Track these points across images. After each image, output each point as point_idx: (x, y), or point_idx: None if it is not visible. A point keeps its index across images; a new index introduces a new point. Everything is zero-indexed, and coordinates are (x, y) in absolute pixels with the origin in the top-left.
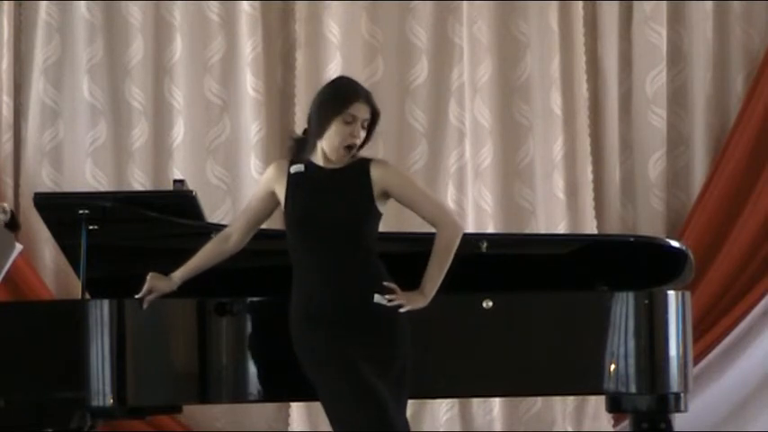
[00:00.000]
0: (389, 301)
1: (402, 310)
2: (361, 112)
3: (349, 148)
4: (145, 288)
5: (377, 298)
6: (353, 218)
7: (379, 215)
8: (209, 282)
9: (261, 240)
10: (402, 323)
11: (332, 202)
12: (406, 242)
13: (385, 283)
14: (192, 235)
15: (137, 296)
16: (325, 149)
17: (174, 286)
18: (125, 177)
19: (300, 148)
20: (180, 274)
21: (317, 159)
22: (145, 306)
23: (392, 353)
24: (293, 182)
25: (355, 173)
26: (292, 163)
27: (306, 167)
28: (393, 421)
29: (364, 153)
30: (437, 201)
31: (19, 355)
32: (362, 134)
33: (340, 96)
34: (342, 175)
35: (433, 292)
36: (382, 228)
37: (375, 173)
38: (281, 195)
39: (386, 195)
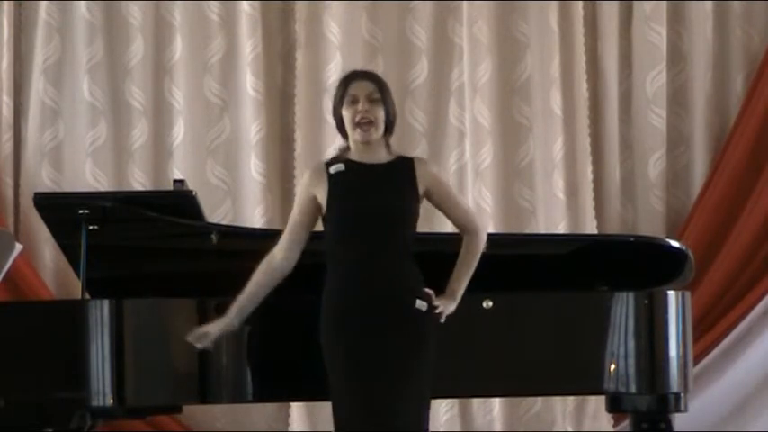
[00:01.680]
0: (431, 308)
1: (440, 314)
2: (361, 88)
3: (362, 124)
4: (200, 331)
5: (418, 303)
6: (401, 213)
7: (418, 212)
8: (209, 282)
9: (260, 240)
10: (434, 326)
11: (380, 198)
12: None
13: (425, 290)
14: (192, 235)
15: (187, 338)
16: (351, 139)
17: (231, 326)
18: (125, 177)
19: (339, 152)
20: (235, 311)
21: (356, 157)
22: (200, 346)
23: (422, 355)
24: (334, 181)
25: (399, 168)
26: (330, 165)
27: (346, 165)
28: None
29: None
30: (468, 206)
31: (19, 355)
32: (376, 108)
33: (339, 85)
34: (385, 170)
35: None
36: None
37: (420, 170)
38: (323, 197)
39: (425, 194)
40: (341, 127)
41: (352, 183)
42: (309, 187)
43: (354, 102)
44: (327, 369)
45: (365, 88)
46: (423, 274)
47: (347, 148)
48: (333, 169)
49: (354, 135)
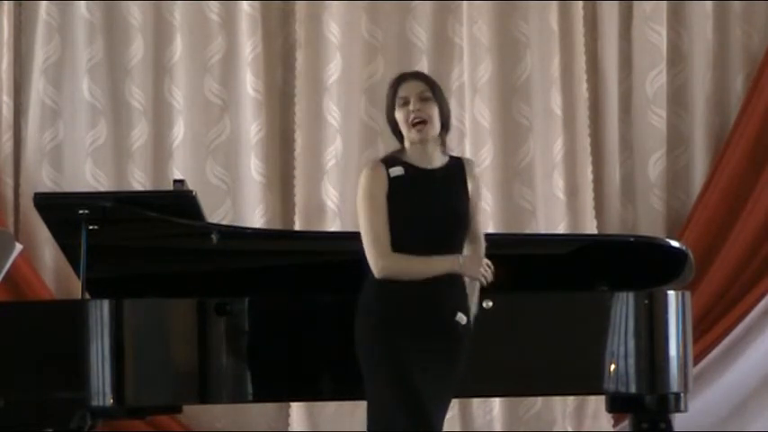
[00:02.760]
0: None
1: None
2: (411, 88)
3: (417, 124)
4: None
5: (458, 317)
6: (461, 215)
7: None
8: (209, 282)
9: (260, 240)
10: (468, 339)
11: (441, 201)
12: None
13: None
14: (192, 235)
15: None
16: (407, 139)
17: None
18: (125, 177)
19: (392, 153)
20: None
21: (412, 160)
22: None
23: (460, 360)
24: (394, 185)
25: (453, 171)
26: (388, 165)
27: (405, 170)
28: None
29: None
30: None
31: (19, 355)
32: (429, 106)
33: (390, 89)
34: (442, 175)
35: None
36: None
37: (469, 171)
38: (386, 198)
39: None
40: (396, 131)
41: (412, 189)
42: (378, 188)
43: (406, 103)
44: (365, 369)
45: (415, 88)
46: None
47: (401, 150)
48: (393, 172)
49: (410, 135)
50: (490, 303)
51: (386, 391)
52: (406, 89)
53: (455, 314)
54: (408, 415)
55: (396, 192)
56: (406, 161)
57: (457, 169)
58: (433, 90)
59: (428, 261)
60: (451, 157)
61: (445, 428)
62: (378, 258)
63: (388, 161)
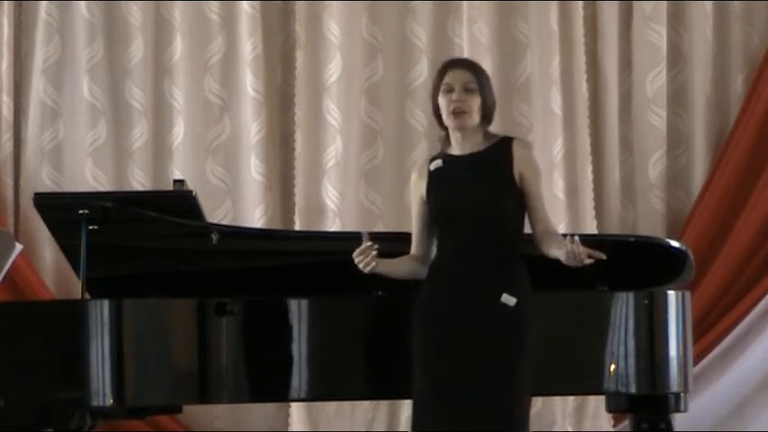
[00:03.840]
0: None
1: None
2: (457, 77)
3: (456, 113)
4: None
5: (504, 298)
6: (494, 199)
7: (519, 195)
8: (209, 282)
9: (260, 240)
10: (529, 324)
11: (472, 187)
12: (406, 242)
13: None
14: (192, 235)
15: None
16: (445, 121)
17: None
18: (125, 177)
19: (440, 146)
20: (383, 265)
21: (454, 150)
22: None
23: (514, 355)
24: (434, 177)
25: (495, 154)
26: (433, 159)
27: (444, 161)
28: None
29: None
30: (548, 214)
31: (19, 354)
32: (472, 98)
33: (437, 73)
34: (482, 158)
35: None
36: (381, 228)
37: (517, 152)
38: (425, 195)
39: (520, 179)
40: (438, 115)
41: (447, 178)
42: (415, 190)
43: (450, 90)
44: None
45: (462, 77)
46: None
47: (446, 139)
48: (433, 165)
49: (448, 121)
50: (513, 300)
51: (414, 381)
52: (452, 77)
53: (499, 296)
54: (432, 407)
55: (435, 183)
56: (448, 152)
57: (497, 151)
58: (479, 81)
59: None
60: (500, 140)
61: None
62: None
63: (435, 156)
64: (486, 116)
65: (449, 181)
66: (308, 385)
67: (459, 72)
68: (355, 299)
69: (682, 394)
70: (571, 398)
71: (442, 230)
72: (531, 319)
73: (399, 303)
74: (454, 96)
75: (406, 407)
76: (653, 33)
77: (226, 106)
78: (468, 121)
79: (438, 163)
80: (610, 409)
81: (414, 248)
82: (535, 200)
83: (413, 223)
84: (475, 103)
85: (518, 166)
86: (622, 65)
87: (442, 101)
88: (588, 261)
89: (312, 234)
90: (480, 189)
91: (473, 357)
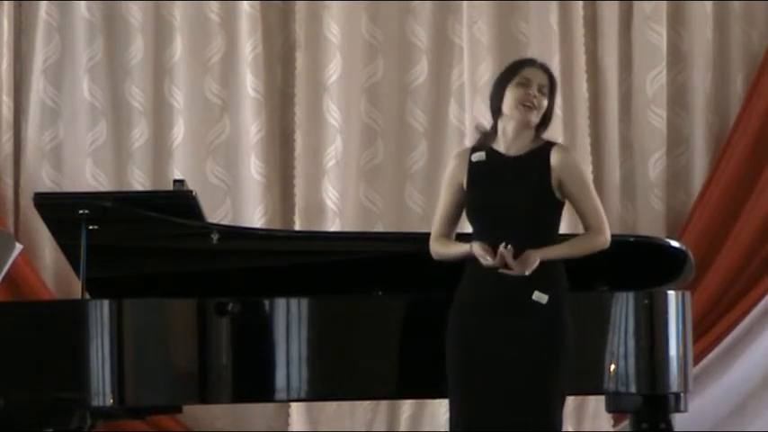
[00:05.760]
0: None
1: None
2: (536, 76)
3: (527, 107)
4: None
5: (536, 296)
6: (529, 206)
7: (557, 204)
8: (209, 282)
9: (260, 240)
10: (565, 320)
11: (509, 190)
12: (406, 242)
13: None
14: (192, 235)
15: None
16: (505, 113)
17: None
18: (125, 177)
19: (484, 137)
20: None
21: (499, 145)
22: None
23: (550, 352)
24: (474, 170)
25: (536, 159)
26: (474, 151)
27: (487, 155)
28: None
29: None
30: (600, 206)
31: (19, 355)
32: (543, 99)
33: (512, 66)
34: (522, 162)
35: (538, 260)
36: (381, 228)
37: (554, 158)
38: (464, 184)
39: (559, 184)
40: (496, 107)
41: (487, 175)
42: (456, 175)
43: (526, 84)
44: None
45: (540, 78)
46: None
47: (492, 134)
48: (475, 157)
49: (514, 113)
50: (545, 298)
51: (449, 379)
52: (532, 73)
53: (530, 293)
54: (462, 407)
55: (474, 177)
56: (493, 146)
57: (538, 156)
58: (551, 88)
59: (448, 245)
60: (544, 144)
61: (445, 428)
62: (430, 240)
63: (477, 146)
64: (545, 122)
65: (489, 179)
66: (307, 385)
67: (537, 71)
68: (355, 299)
69: (682, 394)
70: (571, 398)
71: (479, 229)
72: (568, 319)
73: (399, 303)
74: (531, 90)
75: (406, 407)
76: (653, 33)
77: (226, 106)
78: (534, 118)
79: (481, 155)
80: (610, 409)
81: (441, 228)
82: (580, 199)
83: (441, 205)
84: (543, 105)
85: (556, 172)
86: (622, 65)
87: (513, 92)
88: (518, 272)
89: (312, 234)
90: (518, 194)
91: (511, 358)
